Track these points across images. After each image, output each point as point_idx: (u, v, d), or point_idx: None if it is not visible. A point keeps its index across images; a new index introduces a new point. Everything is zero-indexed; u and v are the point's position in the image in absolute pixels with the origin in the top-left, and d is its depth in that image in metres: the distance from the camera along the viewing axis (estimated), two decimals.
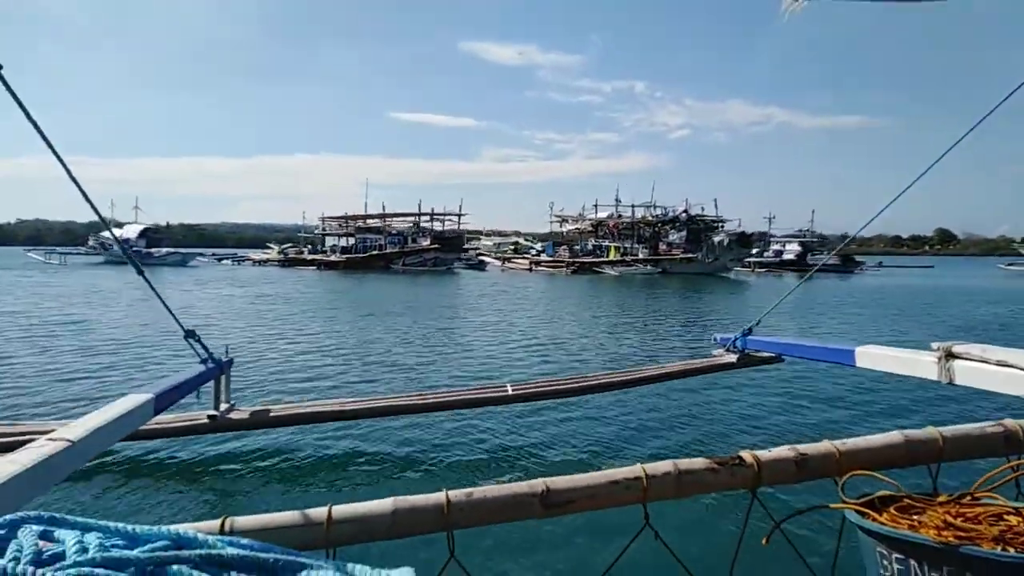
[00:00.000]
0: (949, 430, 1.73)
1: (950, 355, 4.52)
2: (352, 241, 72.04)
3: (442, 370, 11.70)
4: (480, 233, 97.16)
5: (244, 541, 1.10)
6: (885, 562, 1.45)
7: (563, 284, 45.55)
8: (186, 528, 1.16)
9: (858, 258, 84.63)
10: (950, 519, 1.44)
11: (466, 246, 79.59)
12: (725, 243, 62.06)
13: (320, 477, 6.20)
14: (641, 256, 65.14)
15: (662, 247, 66.16)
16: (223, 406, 5.86)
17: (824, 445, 1.66)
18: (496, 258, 79.43)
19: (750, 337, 6.83)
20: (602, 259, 66.93)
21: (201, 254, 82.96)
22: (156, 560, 0.94)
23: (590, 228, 74.22)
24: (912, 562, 1.39)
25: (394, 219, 72.78)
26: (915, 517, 1.49)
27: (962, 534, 1.38)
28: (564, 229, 79.19)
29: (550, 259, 70.72)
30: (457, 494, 1.40)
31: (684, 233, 65.43)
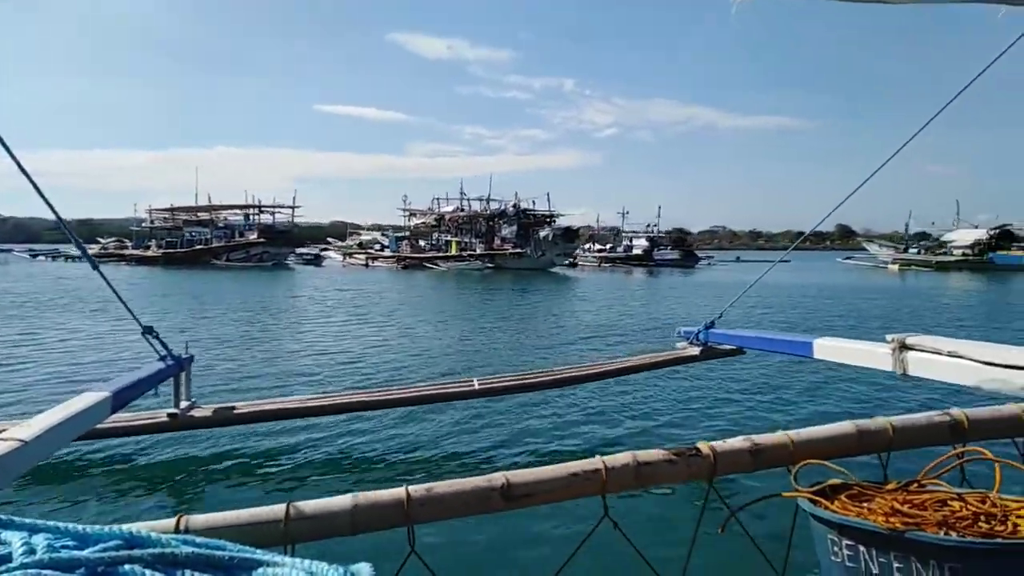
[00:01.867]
0: (898, 420, 1.78)
1: (904, 346, 4.66)
2: (194, 234, 69.06)
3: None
4: (361, 228, 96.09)
5: (199, 539, 1.09)
6: (836, 548, 1.49)
7: (389, 280, 44.18)
8: (140, 527, 1.14)
9: (702, 252, 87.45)
10: (897, 506, 1.49)
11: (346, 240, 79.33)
12: (550, 238, 61.36)
13: (282, 475, 6.13)
14: (478, 251, 63.90)
15: (497, 242, 64.86)
16: (184, 404, 5.76)
17: (778, 435, 1.70)
18: (339, 253, 78.46)
19: (712, 330, 6.95)
20: (434, 255, 65.89)
21: (11, 249, 79.96)
22: (107, 560, 0.93)
23: (433, 222, 72.97)
24: (861, 548, 1.44)
25: (226, 211, 70.15)
26: (865, 504, 1.53)
27: (908, 520, 1.43)
28: (412, 223, 77.76)
29: (390, 255, 69.85)
30: (418, 489, 1.40)
31: (515, 228, 64.44)
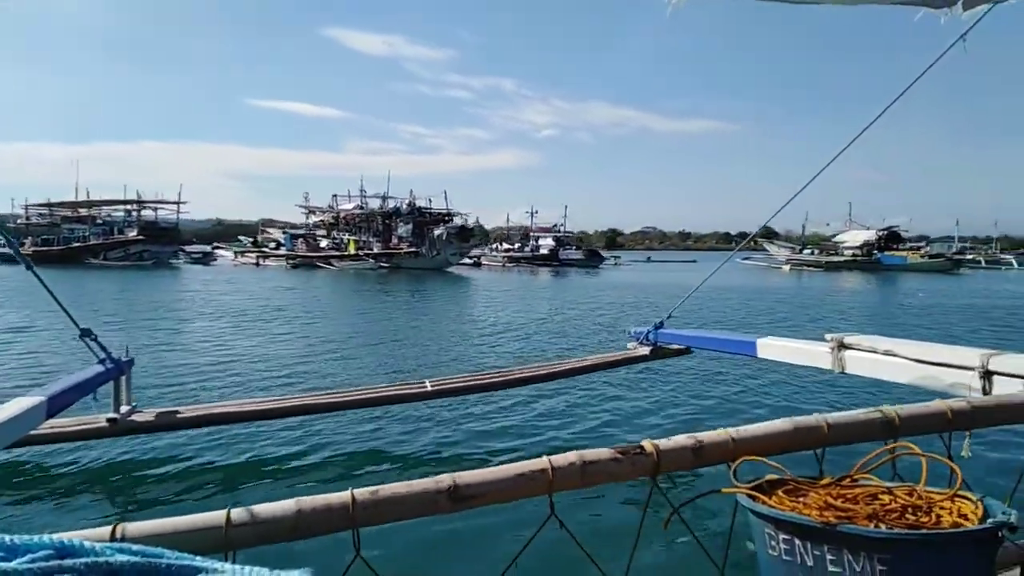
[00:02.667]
0: (833, 417, 1.85)
1: (842, 345, 4.86)
2: (73, 231, 64.86)
3: None
4: (274, 223, 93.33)
5: (135, 547, 1.06)
6: (773, 542, 1.54)
7: (273, 279, 42.72)
8: (73, 536, 1.10)
9: (611, 253, 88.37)
10: (831, 500, 1.55)
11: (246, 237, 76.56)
12: (444, 237, 60.20)
13: (226, 480, 6.00)
14: (376, 250, 62.56)
15: (394, 241, 63.51)
16: (124, 408, 5.59)
17: (719, 433, 1.74)
18: (231, 252, 76.01)
19: (661, 330, 7.09)
20: (328, 254, 64.22)
21: None
22: (36, 572, 0.90)
23: (332, 220, 70.80)
24: (797, 541, 1.49)
25: (108, 207, 66.77)
26: (800, 499, 1.59)
27: (841, 513, 1.49)
28: (311, 221, 75.59)
29: (283, 253, 67.52)
30: (363, 492, 1.40)
31: (410, 226, 63.19)
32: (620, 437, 7.55)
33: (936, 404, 2.01)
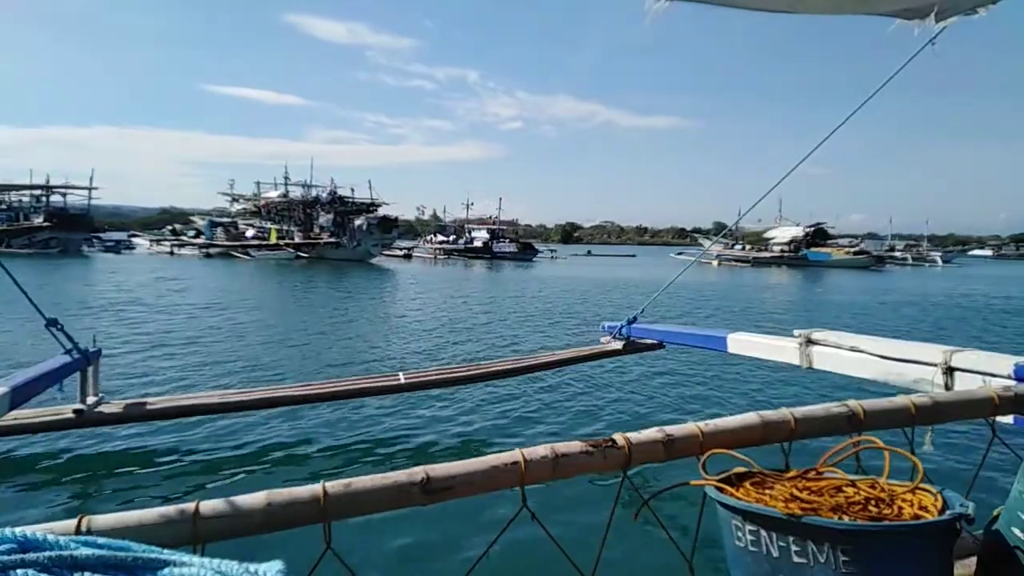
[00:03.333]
0: (800, 411, 1.89)
1: (809, 341, 4.94)
2: None
3: None
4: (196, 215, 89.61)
5: (101, 540, 1.05)
6: (739, 533, 1.57)
7: (182, 269, 39.92)
8: (36, 530, 1.09)
9: (544, 246, 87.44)
10: (796, 492, 1.58)
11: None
12: (364, 227, 57.94)
13: (196, 473, 5.92)
14: (298, 239, 59.53)
15: (316, 231, 60.65)
16: (91, 399, 5.49)
17: (689, 426, 1.77)
18: (147, 240, 71.71)
19: (634, 325, 7.15)
20: (246, 243, 60.74)
21: None
22: None
23: (254, 208, 67.20)
24: (763, 532, 1.52)
25: (15, 192, 63.06)
26: (767, 491, 1.62)
27: (805, 505, 1.52)
28: (234, 208, 71.43)
29: (202, 242, 63.47)
30: (335, 485, 1.39)
31: (331, 216, 60.64)
32: (592, 430, 7.60)
33: (899, 399, 2.06)
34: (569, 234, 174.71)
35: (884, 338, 4.71)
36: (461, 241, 76.66)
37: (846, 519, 1.48)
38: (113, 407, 5.64)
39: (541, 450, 1.64)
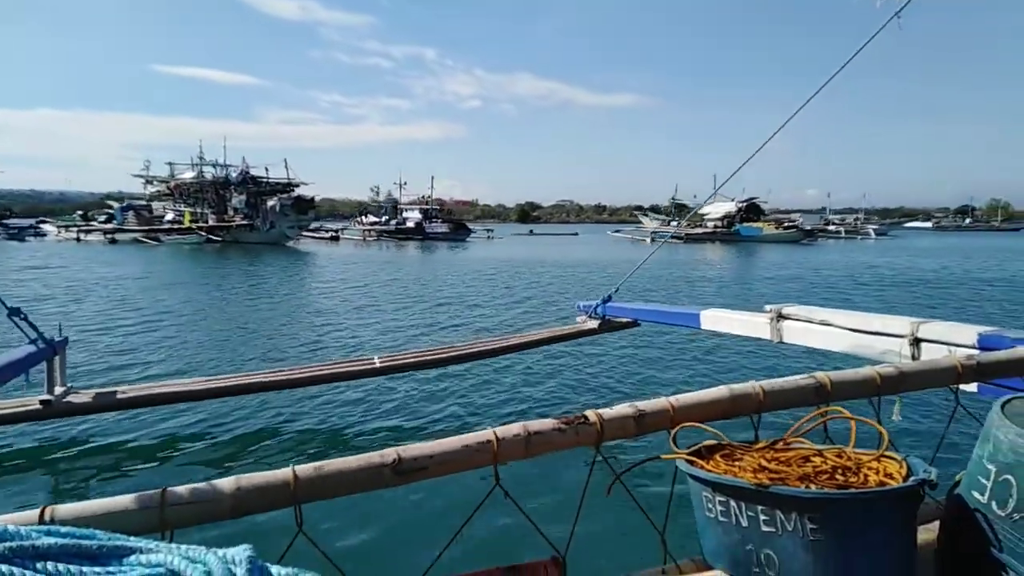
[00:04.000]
0: (768, 384, 1.91)
1: (780, 316, 5.01)
2: None
3: None
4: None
5: (64, 529, 1.03)
6: (710, 504, 1.59)
7: (83, 256, 38.11)
8: None
9: (480, 226, 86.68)
10: (764, 463, 1.61)
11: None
12: (278, 208, 55.49)
13: (165, 460, 5.88)
14: (211, 223, 57.17)
15: (230, 213, 58.33)
16: (58, 389, 5.40)
17: (660, 401, 1.78)
18: (55, 227, 68.20)
19: (609, 304, 7.20)
20: (155, 228, 58.02)
21: None
22: None
23: (168, 191, 64.03)
24: (732, 502, 1.54)
25: None
26: (736, 463, 1.64)
27: (774, 475, 1.54)
28: (148, 191, 67.81)
29: (111, 227, 60.21)
30: (305, 468, 1.38)
31: (244, 197, 57.99)
32: (564, 407, 7.67)
33: (866, 370, 2.10)
34: (527, 214, 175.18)
35: (853, 311, 4.79)
36: (393, 222, 73.98)
37: (813, 488, 1.50)
38: (82, 397, 5.55)
39: (514, 428, 1.64)
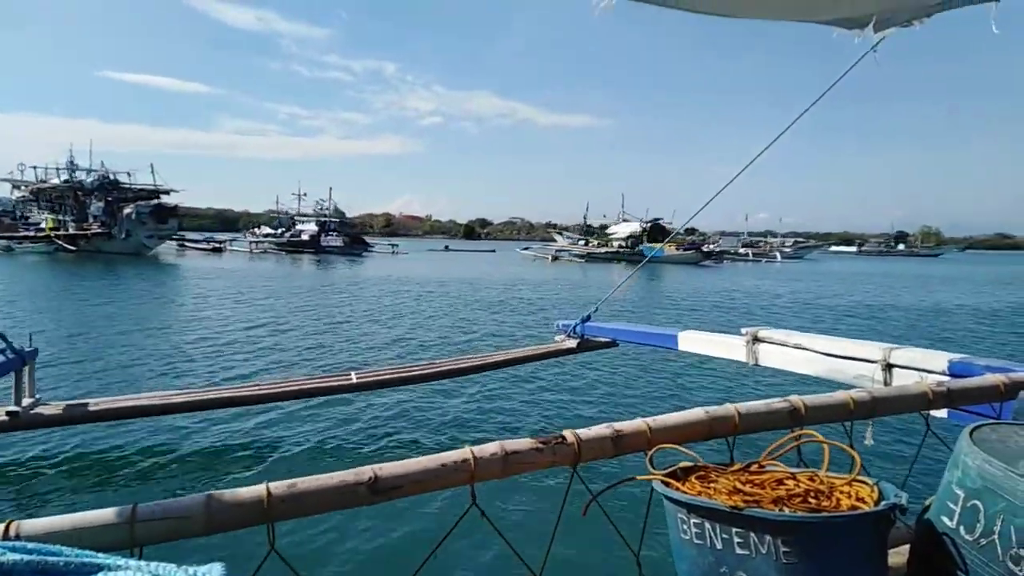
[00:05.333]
0: (743, 406, 1.93)
1: (756, 339, 5.06)
2: None
3: None
4: None
5: (30, 545, 1.01)
6: (685, 526, 1.60)
7: None
8: None
9: (385, 240, 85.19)
10: (739, 485, 1.62)
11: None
12: (134, 216, 51.95)
13: (135, 475, 5.76)
14: (71, 230, 53.58)
15: (90, 221, 54.66)
16: (26, 401, 5.29)
17: (637, 422, 1.79)
18: None
19: (588, 323, 7.23)
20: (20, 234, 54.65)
21: None
22: None
23: (31, 196, 60.39)
24: (707, 524, 1.55)
25: None
26: (711, 485, 1.65)
27: (748, 498, 1.55)
28: (14, 196, 63.56)
29: None
30: (279, 486, 1.37)
31: (102, 204, 54.34)
32: (542, 427, 7.66)
33: (839, 395, 2.13)
34: (473, 230, 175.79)
35: (827, 336, 4.86)
36: (287, 234, 71.00)
37: (787, 511, 1.52)
38: (51, 409, 5.44)
39: (491, 447, 1.64)
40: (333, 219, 74.39)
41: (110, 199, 54.79)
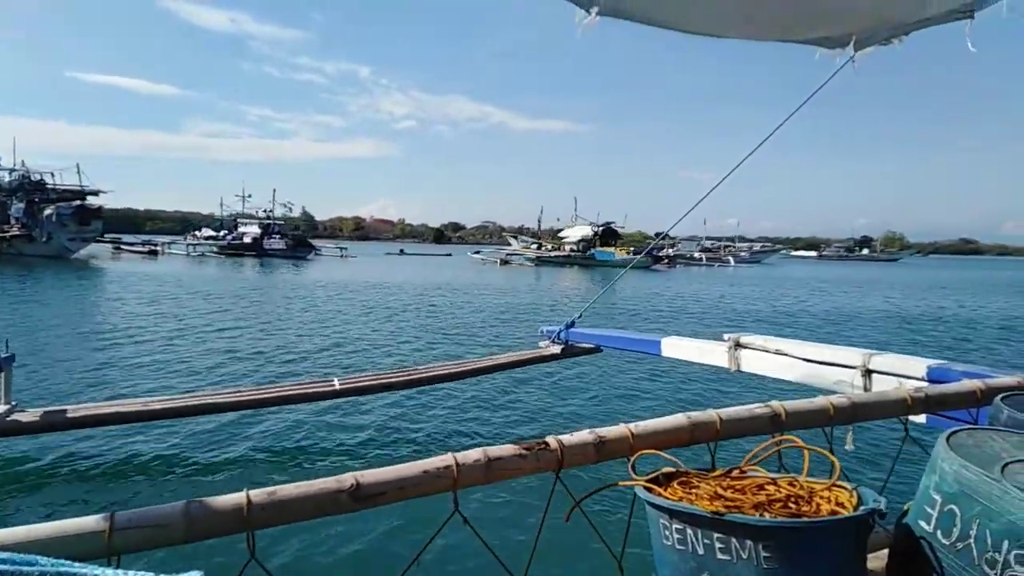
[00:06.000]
0: (725, 412, 1.95)
1: (738, 345, 5.10)
2: None
3: None
4: None
5: (4, 555, 1.00)
6: (667, 531, 1.61)
7: None
8: None
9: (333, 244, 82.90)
10: (720, 491, 1.63)
11: None
12: (54, 218, 50.34)
13: (114, 483, 5.68)
14: None
15: (12, 222, 52.83)
16: (2, 407, 5.21)
17: (620, 428, 1.80)
18: None
19: (572, 329, 7.24)
20: None
21: None
22: None
23: None
24: (688, 530, 1.56)
25: None
26: (692, 490, 1.66)
27: (729, 503, 1.56)
28: None
29: None
30: (259, 494, 1.36)
31: (22, 206, 52.26)
32: (525, 433, 7.65)
33: (819, 400, 2.15)
34: (442, 234, 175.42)
35: (808, 342, 4.90)
36: (229, 237, 68.80)
37: (767, 516, 1.53)
38: (28, 416, 5.36)
39: (474, 454, 1.64)
40: (278, 221, 72.96)
41: (33, 200, 52.73)
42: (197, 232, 74.67)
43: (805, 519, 1.53)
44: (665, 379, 10.45)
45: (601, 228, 70.91)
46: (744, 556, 1.49)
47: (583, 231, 71.30)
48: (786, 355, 4.68)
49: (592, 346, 7.40)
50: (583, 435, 1.77)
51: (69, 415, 5.58)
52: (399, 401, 8.41)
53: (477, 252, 75.24)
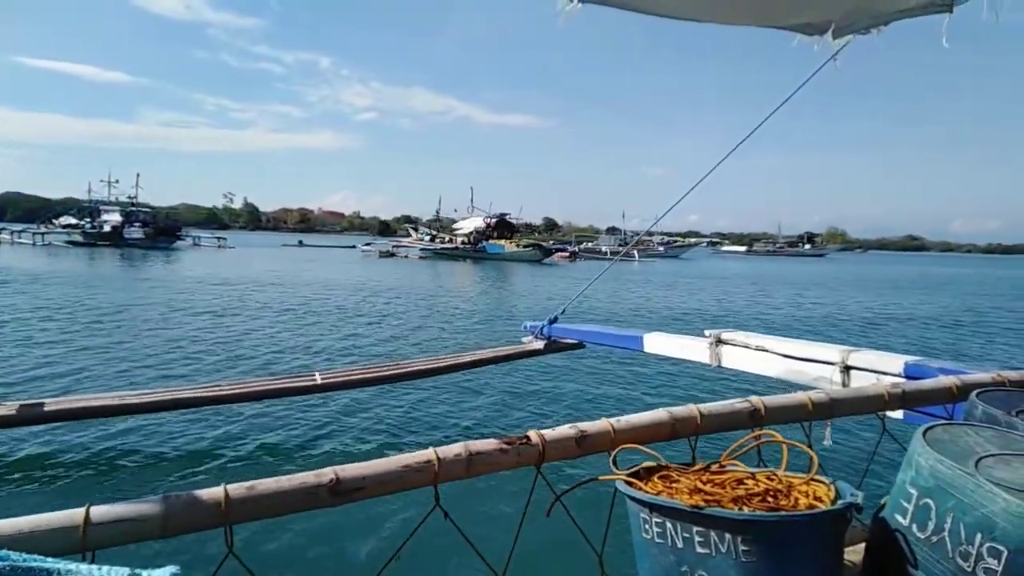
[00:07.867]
0: (705, 407, 1.96)
1: (720, 341, 5.14)
2: None
3: None
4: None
5: None
6: (647, 525, 1.62)
7: None
8: None
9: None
10: (700, 485, 1.64)
11: None
12: None
13: (89, 477, 5.61)
14: None
15: None
16: None
17: (601, 423, 1.81)
18: None
19: (555, 325, 7.25)
20: None
21: None
22: None
23: None
24: (668, 524, 1.57)
25: None
26: (673, 485, 1.67)
27: (708, 497, 1.57)
28: None
29: None
30: (237, 488, 1.35)
31: None
32: (506, 427, 7.66)
33: (798, 395, 2.17)
34: (387, 227, 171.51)
35: (788, 338, 4.95)
36: (89, 225, 64.18)
37: (746, 510, 1.54)
38: (4, 409, 5.28)
39: (455, 448, 1.63)
40: (143, 208, 69.19)
41: None
42: (56, 220, 68.70)
43: (783, 513, 1.55)
44: (647, 374, 10.51)
45: (495, 220, 69.03)
46: (723, 549, 1.50)
47: (475, 223, 69.30)
48: (767, 351, 4.73)
49: (575, 341, 7.41)
50: (565, 430, 1.77)
51: (46, 409, 5.50)
52: (379, 395, 8.38)
53: (368, 244, 72.67)
